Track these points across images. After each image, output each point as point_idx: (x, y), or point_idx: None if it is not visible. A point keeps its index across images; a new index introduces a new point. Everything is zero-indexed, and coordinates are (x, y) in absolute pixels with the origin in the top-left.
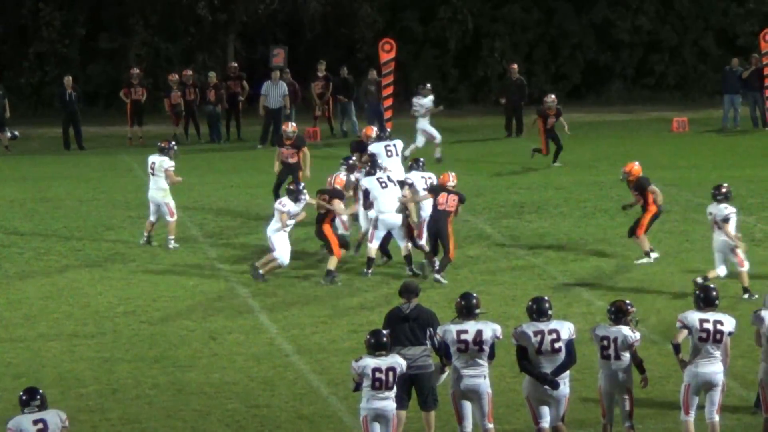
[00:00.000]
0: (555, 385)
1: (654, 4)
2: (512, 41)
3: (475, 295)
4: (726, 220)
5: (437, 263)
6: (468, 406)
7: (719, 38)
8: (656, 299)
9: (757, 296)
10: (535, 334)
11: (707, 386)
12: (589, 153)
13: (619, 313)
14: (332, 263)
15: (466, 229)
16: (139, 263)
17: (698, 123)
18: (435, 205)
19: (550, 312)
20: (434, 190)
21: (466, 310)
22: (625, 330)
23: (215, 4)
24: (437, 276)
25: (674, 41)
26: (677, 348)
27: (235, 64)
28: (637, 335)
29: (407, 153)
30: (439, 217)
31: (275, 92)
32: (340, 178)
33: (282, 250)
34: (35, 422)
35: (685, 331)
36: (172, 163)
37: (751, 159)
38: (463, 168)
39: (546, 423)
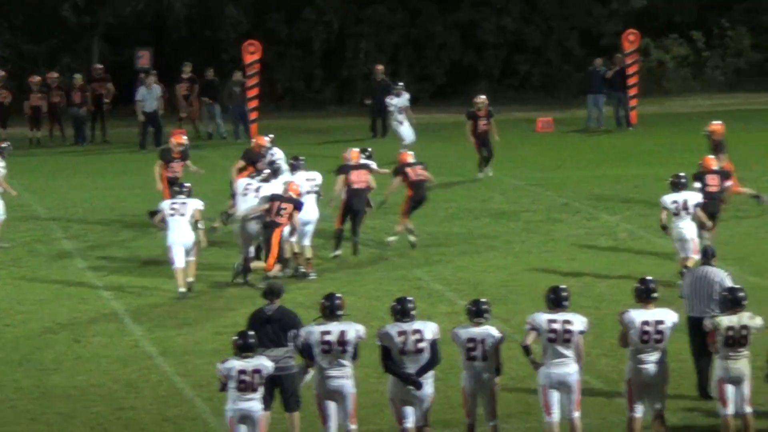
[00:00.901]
0: (418, 386)
1: (518, 4)
2: (377, 42)
3: (338, 295)
4: (698, 205)
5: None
6: (332, 407)
7: (583, 38)
8: (520, 299)
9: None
10: (399, 334)
11: (562, 387)
12: (453, 153)
13: (481, 312)
14: (257, 265)
15: (331, 230)
16: (0, 266)
17: (563, 123)
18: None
19: (413, 312)
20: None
21: (330, 310)
22: (492, 330)
23: (79, 6)
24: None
25: (538, 41)
26: (527, 350)
27: (101, 66)
28: (503, 334)
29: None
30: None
31: (151, 96)
32: (295, 185)
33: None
34: None
35: (534, 333)
36: (3, 163)
37: (614, 158)
38: (329, 168)
39: (410, 423)
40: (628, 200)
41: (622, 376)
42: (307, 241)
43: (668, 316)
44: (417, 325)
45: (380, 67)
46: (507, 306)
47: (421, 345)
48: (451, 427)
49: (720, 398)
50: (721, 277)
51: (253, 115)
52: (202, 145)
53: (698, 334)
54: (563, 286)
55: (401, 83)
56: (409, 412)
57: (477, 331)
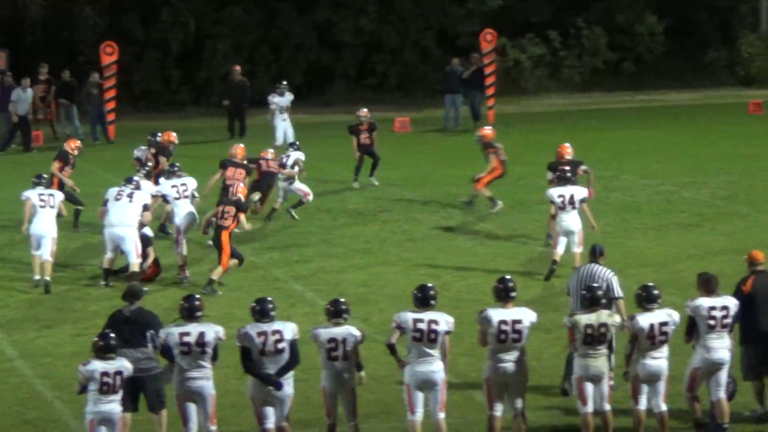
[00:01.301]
0: (279, 386)
1: (375, 5)
2: (234, 43)
3: (198, 297)
4: (584, 200)
5: None
6: (192, 408)
7: (440, 38)
8: (380, 298)
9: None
10: (259, 335)
11: (427, 385)
12: (312, 153)
13: (341, 312)
14: (217, 273)
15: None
16: None
17: (420, 123)
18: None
19: (273, 313)
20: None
21: (188, 312)
22: (352, 329)
23: None
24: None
25: (395, 42)
26: (392, 348)
27: None
28: (363, 334)
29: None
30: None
31: (23, 98)
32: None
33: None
34: None
35: (399, 331)
36: None
37: (472, 158)
38: (188, 169)
39: (271, 424)
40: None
41: (481, 375)
42: (181, 248)
43: (526, 316)
44: (276, 325)
45: (238, 68)
46: (366, 306)
47: (280, 345)
48: (311, 427)
49: (579, 396)
50: (607, 275)
51: (110, 117)
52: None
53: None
54: (430, 285)
55: (285, 82)
56: (270, 412)
57: (337, 331)
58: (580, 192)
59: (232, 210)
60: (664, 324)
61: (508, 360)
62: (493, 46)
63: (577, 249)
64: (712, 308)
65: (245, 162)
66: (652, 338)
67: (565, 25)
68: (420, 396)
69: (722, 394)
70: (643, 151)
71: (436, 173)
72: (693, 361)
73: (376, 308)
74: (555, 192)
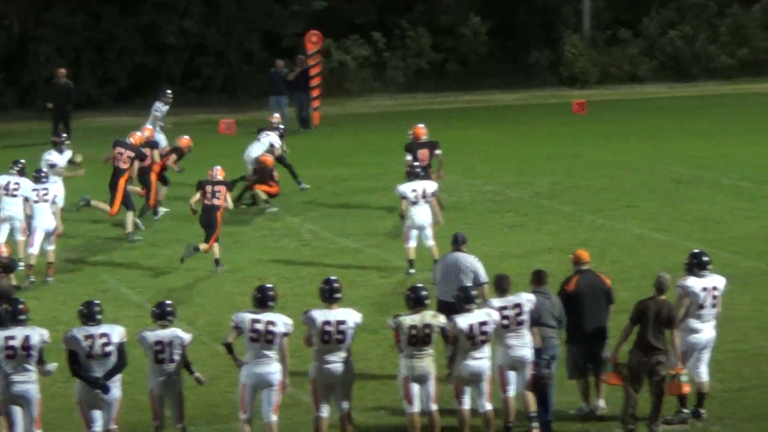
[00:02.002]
0: (106, 389)
1: (200, 7)
2: (58, 45)
3: (21, 300)
4: (434, 194)
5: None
6: (18, 412)
7: (265, 40)
8: (206, 300)
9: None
10: (86, 338)
11: (263, 386)
12: None
13: (166, 314)
14: (202, 247)
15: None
16: None
17: (245, 124)
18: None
19: (100, 316)
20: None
21: (12, 315)
22: (179, 332)
23: None
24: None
25: (220, 44)
26: (229, 347)
27: None
28: (190, 336)
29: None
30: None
31: None
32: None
33: None
34: None
35: (236, 331)
36: None
37: (297, 160)
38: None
39: (98, 427)
40: (311, 201)
41: (308, 376)
42: (50, 246)
43: (351, 316)
44: (104, 328)
45: (62, 71)
46: (192, 308)
47: (108, 349)
48: (138, 430)
49: (405, 396)
50: (471, 262)
51: None
52: None
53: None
54: (270, 286)
55: (169, 91)
56: (97, 415)
57: (164, 333)
58: (431, 186)
59: (222, 189)
60: (483, 324)
61: (334, 361)
62: (318, 48)
63: (431, 242)
64: (503, 308)
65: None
66: (472, 339)
67: (389, 26)
68: (253, 397)
69: (525, 390)
70: (468, 152)
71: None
72: (497, 360)
73: (203, 310)
74: (407, 187)
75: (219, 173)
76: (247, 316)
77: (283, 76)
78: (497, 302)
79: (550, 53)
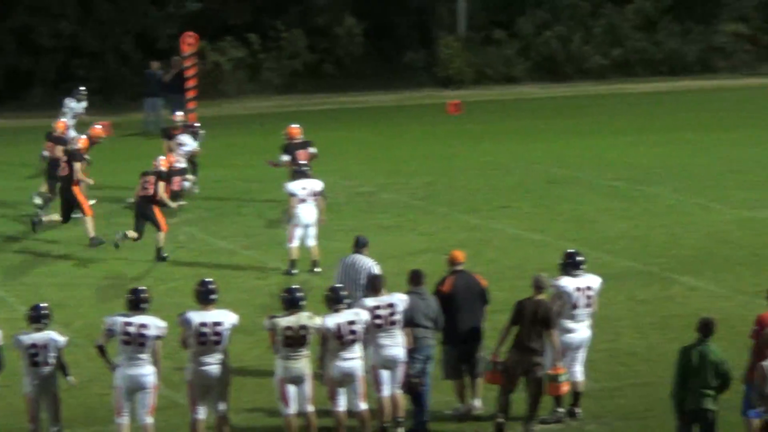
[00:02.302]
0: None
1: (74, 8)
2: None
3: None
4: (321, 193)
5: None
6: None
7: (139, 42)
8: (80, 303)
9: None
10: None
11: (135, 388)
12: (15, 157)
13: (40, 317)
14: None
15: None
16: None
17: (121, 126)
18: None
19: None
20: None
21: None
22: (54, 334)
23: None
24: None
25: (96, 46)
26: (101, 350)
27: None
28: (65, 339)
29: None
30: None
31: None
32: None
33: None
34: None
35: (108, 334)
36: None
37: None
38: None
39: None
40: (186, 203)
41: (184, 378)
42: None
43: (227, 318)
44: None
45: None
46: (67, 310)
47: None
48: None
49: (281, 398)
50: (369, 264)
51: None
52: None
53: None
54: (143, 288)
55: (83, 87)
56: None
57: (39, 336)
58: (317, 184)
59: (151, 179)
60: (351, 323)
61: (210, 362)
62: (194, 49)
63: (313, 242)
64: (376, 307)
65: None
66: (341, 338)
67: (264, 27)
68: (129, 399)
69: (398, 390)
70: (344, 153)
71: (135, 179)
72: (370, 360)
73: (77, 313)
74: (297, 185)
75: (161, 164)
76: (119, 319)
77: (158, 77)
78: (370, 302)
79: (425, 54)
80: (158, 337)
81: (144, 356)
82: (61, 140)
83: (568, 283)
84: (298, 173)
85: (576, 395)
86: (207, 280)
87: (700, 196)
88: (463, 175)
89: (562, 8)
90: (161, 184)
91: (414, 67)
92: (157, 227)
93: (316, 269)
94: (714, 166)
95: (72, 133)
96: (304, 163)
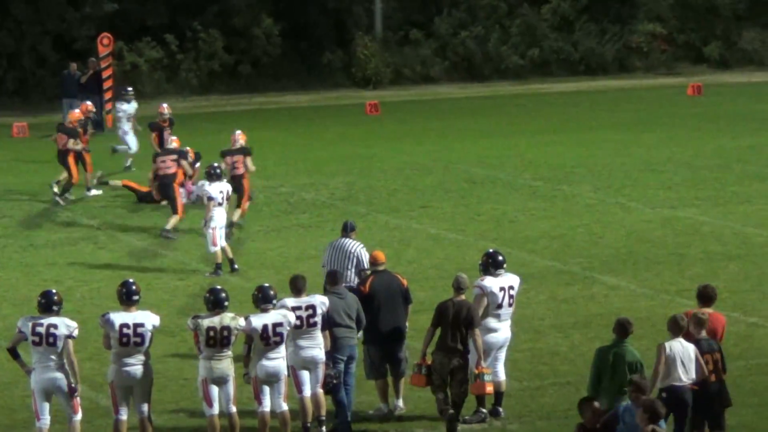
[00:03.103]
0: None
1: None
2: None
3: None
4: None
5: None
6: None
7: (56, 43)
8: (2, 304)
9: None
10: None
11: (50, 390)
12: None
13: None
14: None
15: None
16: None
17: (38, 128)
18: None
19: None
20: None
21: None
22: None
23: None
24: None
25: (12, 47)
26: (12, 352)
27: None
28: None
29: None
30: None
31: None
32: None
33: None
34: None
35: (19, 336)
36: None
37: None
38: None
39: None
40: (106, 205)
41: (106, 379)
42: None
43: (149, 319)
44: None
45: None
46: None
47: None
48: None
49: (205, 398)
50: (356, 248)
51: None
52: None
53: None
54: (54, 291)
55: (130, 88)
56: None
57: None
58: (226, 186)
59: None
60: (278, 325)
61: (132, 363)
62: (109, 50)
63: (224, 243)
64: (297, 308)
65: None
66: (266, 339)
67: (181, 28)
68: (46, 403)
69: (319, 389)
70: (261, 153)
71: (47, 179)
72: (290, 361)
73: (0, 314)
74: (215, 189)
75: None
76: (30, 321)
77: (76, 78)
78: (291, 302)
79: (342, 54)
80: (69, 337)
81: (55, 357)
82: (72, 131)
83: (491, 283)
84: (213, 176)
85: (498, 395)
86: (129, 280)
87: (619, 195)
88: (382, 176)
89: (479, 8)
90: (184, 163)
91: (332, 68)
92: (174, 209)
93: (235, 266)
94: (633, 166)
95: (129, 137)
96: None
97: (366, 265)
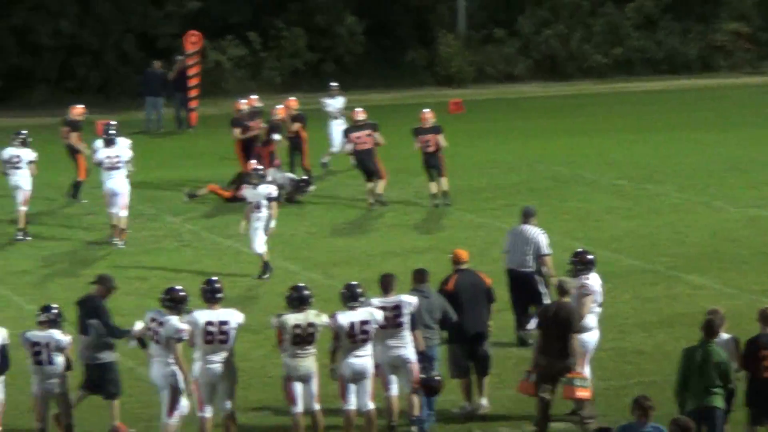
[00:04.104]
0: None
1: (74, 7)
2: None
3: None
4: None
5: None
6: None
7: (140, 41)
8: None
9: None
10: None
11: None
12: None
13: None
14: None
15: None
16: None
17: (122, 125)
18: None
19: None
20: None
21: None
22: (57, 334)
23: None
24: None
25: (96, 45)
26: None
27: None
28: (69, 338)
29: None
30: None
31: None
32: None
33: None
34: None
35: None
36: None
37: (175, 160)
38: None
39: None
40: (177, 200)
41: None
42: None
43: (233, 317)
44: None
45: None
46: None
47: None
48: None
49: (289, 396)
50: (535, 234)
51: None
52: None
53: (516, 283)
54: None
55: (336, 83)
56: None
57: (41, 335)
58: (272, 189)
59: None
60: (365, 323)
61: (217, 361)
62: (198, 48)
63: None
64: (382, 308)
65: None
66: (353, 337)
67: (264, 26)
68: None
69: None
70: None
71: (140, 177)
72: (378, 360)
73: None
74: (260, 190)
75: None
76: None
77: (160, 76)
78: (377, 302)
79: (425, 53)
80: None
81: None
82: (75, 124)
83: (595, 282)
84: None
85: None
86: (213, 279)
87: (704, 194)
88: (466, 174)
89: (562, 7)
90: (376, 135)
91: (415, 66)
92: (378, 175)
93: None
94: (717, 165)
95: (334, 129)
96: (262, 167)
97: (546, 250)
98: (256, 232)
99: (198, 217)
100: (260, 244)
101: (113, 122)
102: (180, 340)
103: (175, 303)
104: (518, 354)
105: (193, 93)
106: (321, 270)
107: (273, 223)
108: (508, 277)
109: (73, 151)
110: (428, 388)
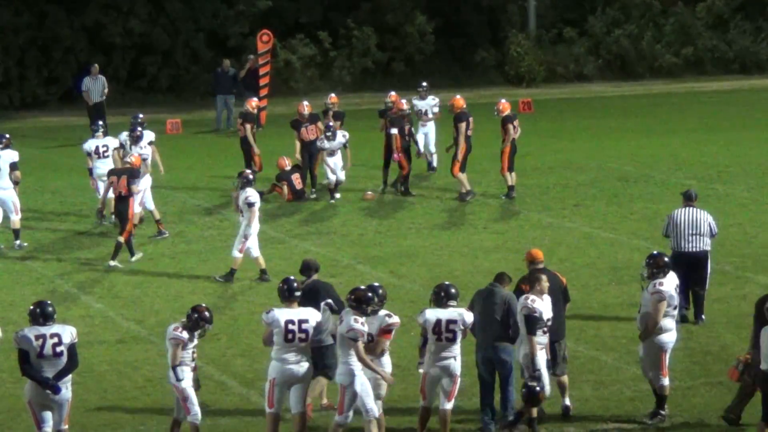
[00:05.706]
0: (56, 390)
1: (145, 6)
2: (4, 45)
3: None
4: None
5: None
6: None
7: (210, 40)
8: (154, 300)
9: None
10: (37, 338)
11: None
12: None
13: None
14: None
15: None
16: None
17: (192, 124)
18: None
19: (51, 316)
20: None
21: None
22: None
23: None
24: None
25: (166, 44)
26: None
27: None
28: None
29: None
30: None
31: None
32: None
33: None
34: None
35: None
36: None
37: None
38: None
39: (48, 428)
40: (263, 200)
41: (258, 376)
42: None
43: (312, 315)
44: (55, 328)
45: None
46: (141, 307)
47: (59, 349)
48: (88, 430)
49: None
50: (706, 216)
51: None
52: None
53: (686, 266)
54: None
55: (425, 83)
56: (48, 416)
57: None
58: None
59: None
60: (452, 322)
61: (295, 360)
62: (269, 47)
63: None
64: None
65: None
66: (439, 334)
67: (334, 25)
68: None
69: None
70: None
71: (209, 175)
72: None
73: (152, 310)
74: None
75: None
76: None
77: (230, 75)
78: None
79: (495, 52)
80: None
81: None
82: (248, 116)
83: (670, 285)
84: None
85: (663, 398)
86: (290, 278)
87: None
88: (535, 174)
89: (632, 7)
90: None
91: (485, 66)
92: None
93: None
94: None
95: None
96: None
97: (715, 230)
98: (239, 237)
99: (265, 216)
100: (254, 248)
101: (140, 115)
102: (355, 339)
103: (359, 303)
104: (586, 354)
105: (264, 92)
106: (388, 268)
107: (250, 230)
108: (674, 259)
109: (246, 144)
110: (530, 397)
